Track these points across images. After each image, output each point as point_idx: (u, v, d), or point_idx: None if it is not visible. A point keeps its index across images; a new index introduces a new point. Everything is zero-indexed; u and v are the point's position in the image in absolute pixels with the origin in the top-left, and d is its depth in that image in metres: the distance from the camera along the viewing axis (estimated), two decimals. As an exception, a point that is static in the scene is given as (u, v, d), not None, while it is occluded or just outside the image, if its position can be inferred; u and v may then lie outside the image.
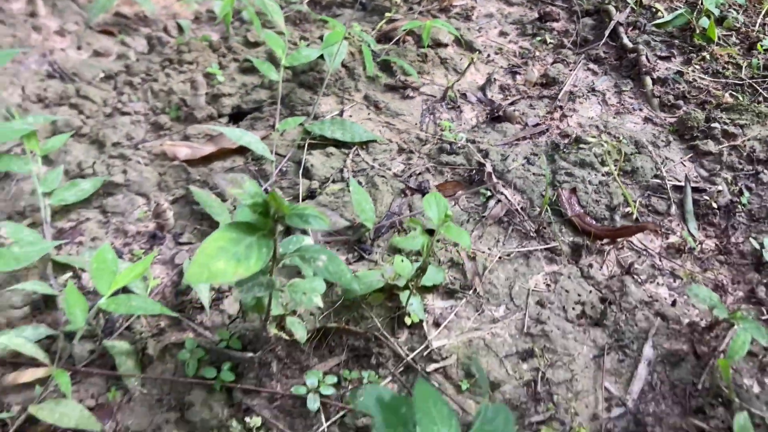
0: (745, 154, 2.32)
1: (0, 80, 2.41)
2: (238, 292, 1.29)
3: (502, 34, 3.12)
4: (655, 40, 3.01)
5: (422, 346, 1.66)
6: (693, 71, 2.80)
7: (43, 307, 1.69)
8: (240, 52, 2.71)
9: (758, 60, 2.83)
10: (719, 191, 2.15)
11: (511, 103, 2.61)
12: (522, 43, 3.05)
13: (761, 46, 2.94)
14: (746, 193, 2.17)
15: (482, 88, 2.69)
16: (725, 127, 2.41)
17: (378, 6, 3.16)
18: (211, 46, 2.73)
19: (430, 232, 1.61)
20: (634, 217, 2.07)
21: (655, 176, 2.23)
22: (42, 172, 1.91)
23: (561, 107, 2.57)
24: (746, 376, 1.66)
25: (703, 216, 2.11)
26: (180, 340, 1.62)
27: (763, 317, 1.81)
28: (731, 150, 2.34)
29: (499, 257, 1.91)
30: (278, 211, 1.20)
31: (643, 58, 2.80)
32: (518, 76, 2.80)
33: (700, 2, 3.15)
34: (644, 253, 1.98)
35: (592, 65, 2.88)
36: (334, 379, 1.55)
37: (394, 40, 2.86)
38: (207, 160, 2.17)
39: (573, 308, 1.79)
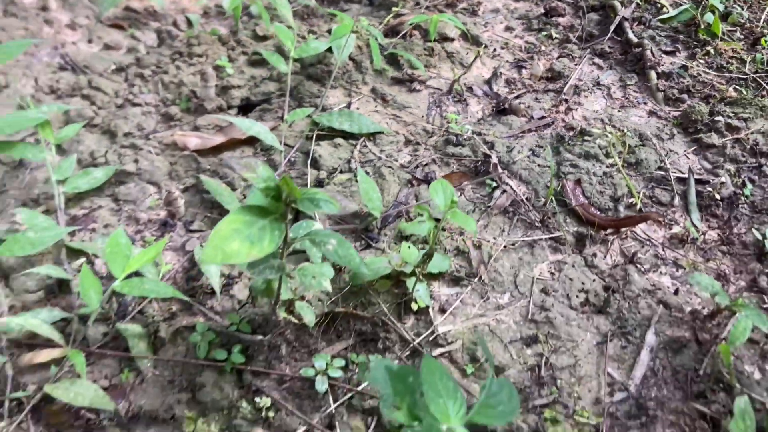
0: (748, 147, 2.34)
1: (13, 72, 2.46)
2: (250, 274, 1.32)
3: (508, 29, 3.14)
4: (660, 35, 3.03)
5: (428, 331, 1.69)
6: (697, 66, 2.82)
7: (57, 291, 1.73)
8: (249, 45, 2.75)
9: (762, 55, 2.85)
10: (722, 183, 2.18)
11: (517, 97, 2.64)
12: (528, 38, 3.08)
13: (765, 41, 2.96)
14: (749, 185, 2.19)
15: (488, 82, 2.72)
16: (729, 120, 2.43)
17: (385, 1, 3.19)
18: (221, 40, 2.76)
19: (437, 222, 1.64)
20: (638, 207, 2.10)
21: (659, 168, 2.25)
22: (56, 160, 1.94)
23: (566, 101, 2.59)
24: (747, 363, 1.69)
25: (706, 207, 2.13)
26: (191, 324, 1.65)
27: (765, 305, 1.83)
28: (734, 143, 2.36)
29: (504, 246, 1.94)
30: (290, 195, 1.24)
31: (648, 52, 2.82)
32: (524, 70, 2.83)
33: (705, -2, 3.17)
34: (647, 243, 2.01)
35: (597, 60, 2.90)
36: (342, 363, 1.59)
37: (401, 34, 2.90)
38: (217, 150, 2.21)
39: (577, 296, 1.82)
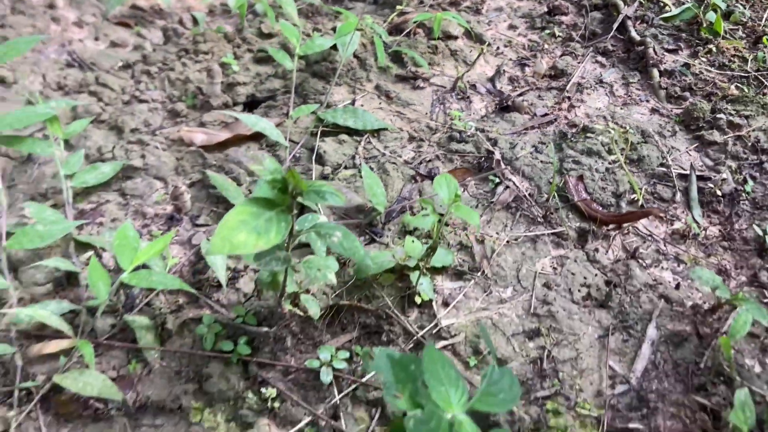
0: (749, 144, 2.36)
1: (21, 68, 2.48)
2: (256, 265, 1.34)
3: (512, 27, 3.16)
4: (663, 34, 3.05)
5: (431, 324, 1.71)
6: (699, 64, 2.84)
7: (66, 283, 1.75)
8: (254, 43, 2.77)
9: (764, 53, 2.86)
10: (724, 180, 2.19)
11: (520, 94, 2.66)
12: (531, 36, 3.10)
13: (767, 39, 2.97)
14: (750, 182, 2.21)
15: (491, 80, 2.74)
16: (730, 118, 2.45)
17: (389, -1, 3.21)
18: (226, 38, 2.78)
19: (441, 216, 1.66)
20: (640, 203, 2.11)
21: (661, 165, 2.27)
22: (64, 155, 1.96)
23: (569, 98, 2.61)
24: (748, 357, 1.71)
25: (707, 203, 2.15)
26: (198, 316, 1.67)
27: (765, 300, 1.85)
28: (736, 140, 2.38)
29: (507, 241, 1.96)
30: (296, 187, 1.26)
31: (651, 50, 2.84)
32: (527, 68, 2.85)
33: (707, -3, 3.19)
34: (649, 238, 2.02)
35: (600, 58, 2.92)
36: (347, 354, 1.61)
37: (405, 32, 2.92)
38: (222, 146, 2.23)
39: (579, 290, 1.84)
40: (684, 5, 3.15)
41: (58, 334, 1.58)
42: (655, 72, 2.75)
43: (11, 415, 1.46)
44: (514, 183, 2.13)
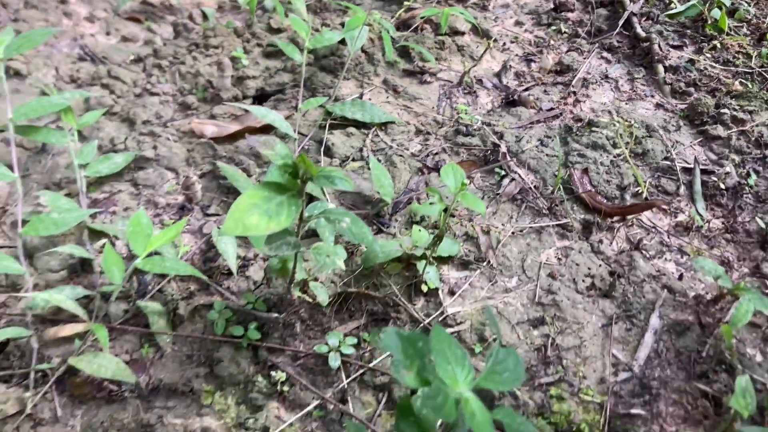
0: (753, 138, 2.38)
1: (35, 61, 2.52)
2: (267, 250, 1.37)
3: (518, 23, 3.19)
4: (668, 30, 3.07)
5: (438, 312, 1.74)
6: (704, 60, 2.86)
7: (80, 270, 1.79)
8: (263, 37, 2.80)
9: (769, 50, 2.89)
10: (727, 173, 2.22)
11: (526, 89, 2.68)
12: (537, 33, 3.12)
13: (773, 36, 3.00)
14: (753, 176, 2.23)
15: (498, 75, 2.76)
16: (734, 113, 2.47)
17: (397, -5, 3.25)
18: (236, 32, 2.82)
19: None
20: (644, 196, 2.14)
21: (666, 158, 2.29)
22: (77, 146, 2.00)
23: (574, 93, 2.64)
24: (749, 346, 1.73)
25: (711, 196, 2.17)
26: (209, 302, 1.71)
27: (767, 290, 1.87)
28: (740, 135, 2.40)
29: (512, 232, 1.99)
30: (306, 172, 1.29)
31: (656, 46, 2.86)
32: (533, 64, 2.88)
33: (713, -6, 3.21)
34: (653, 230, 2.05)
35: (605, 54, 2.94)
36: (354, 341, 1.64)
37: (413, 27, 2.95)
38: (233, 137, 2.27)
39: (583, 280, 1.87)
40: (689, 2, 3.17)
41: (73, 319, 1.62)
42: (660, 68, 2.77)
43: (27, 395, 1.50)
44: (519, 175, 2.16)
